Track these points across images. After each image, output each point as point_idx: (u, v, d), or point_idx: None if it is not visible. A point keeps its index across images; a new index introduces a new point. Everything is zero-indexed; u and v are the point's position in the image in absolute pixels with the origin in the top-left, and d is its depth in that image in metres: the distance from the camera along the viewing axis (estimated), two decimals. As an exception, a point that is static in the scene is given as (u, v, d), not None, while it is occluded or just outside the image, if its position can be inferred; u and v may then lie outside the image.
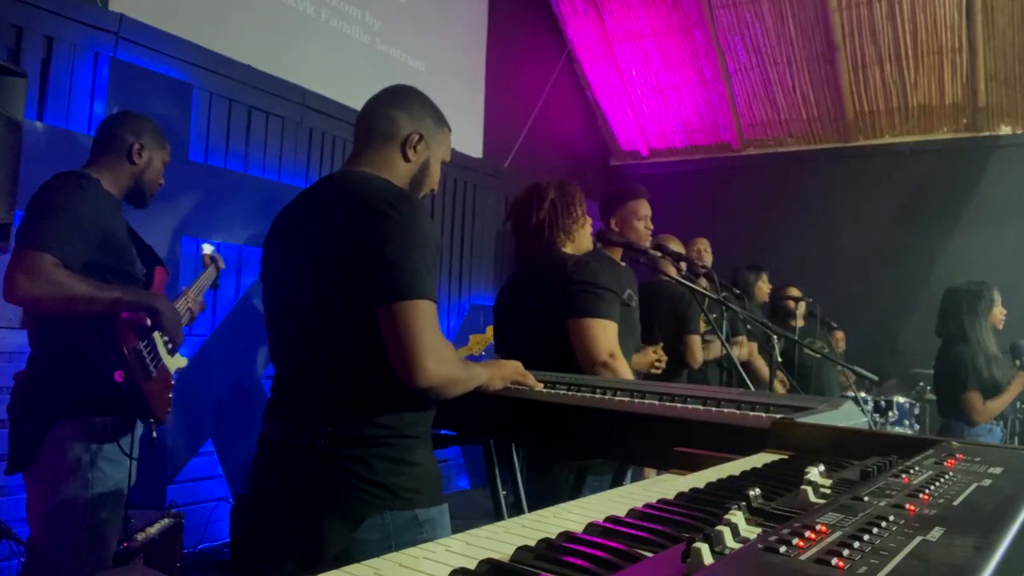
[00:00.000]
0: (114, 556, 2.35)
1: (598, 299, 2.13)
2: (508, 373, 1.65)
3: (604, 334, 2.11)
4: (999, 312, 3.62)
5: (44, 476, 1.88)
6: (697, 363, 3.59)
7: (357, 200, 1.38)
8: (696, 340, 3.57)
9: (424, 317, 1.30)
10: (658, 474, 2.41)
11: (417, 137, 1.55)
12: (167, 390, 2.12)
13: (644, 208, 2.81)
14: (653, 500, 0.72)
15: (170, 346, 2.12)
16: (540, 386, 1.69)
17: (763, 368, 4.22)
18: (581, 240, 2.36)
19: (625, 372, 2.11)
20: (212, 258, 2.51)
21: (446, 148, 1.65)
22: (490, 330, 2.09)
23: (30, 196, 1.96)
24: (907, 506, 0.58)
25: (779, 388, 4.14)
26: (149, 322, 2.02)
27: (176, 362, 2.19)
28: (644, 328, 2.95)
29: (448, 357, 1.35)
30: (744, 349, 4.23)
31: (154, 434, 2.10)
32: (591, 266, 2.21)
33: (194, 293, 2.36)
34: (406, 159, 1.55)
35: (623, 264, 2.78)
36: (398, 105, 1.56)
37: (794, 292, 4.70)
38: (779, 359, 3.47)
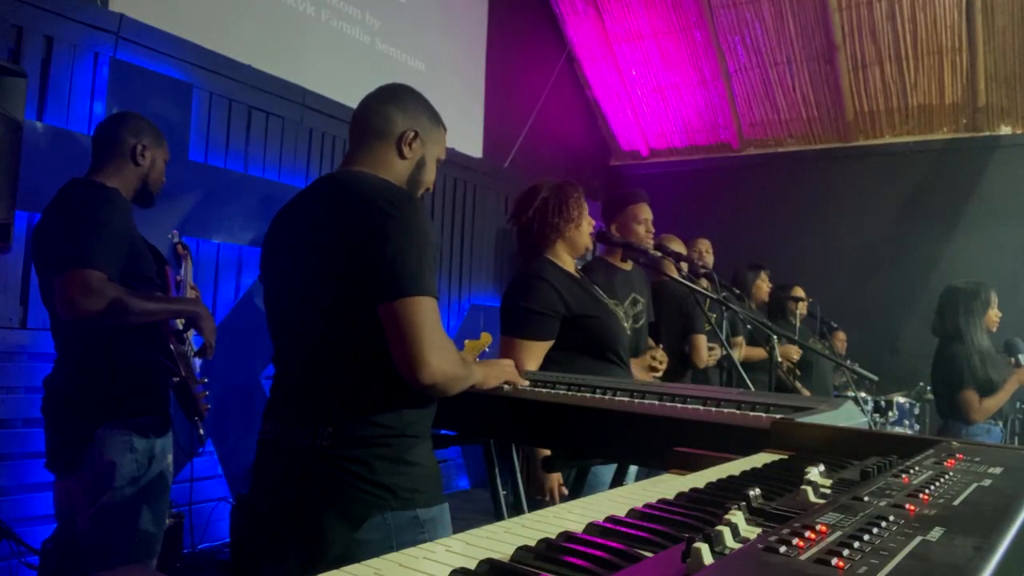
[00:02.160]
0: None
1: (511, 318, 2.23)
2: (501, 372, 1.67)
3: (510, 351, 2.19)
4: (994, 314, 3.62)
5: (89, 479, 1.91)
6: (703, 363, 3.58)
7: (357, 199, 1.38)
8: (702, 340, 3.56)
9: (426, 314, 1.31)
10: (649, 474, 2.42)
11: (412, 135, 1.55)
12: (201, 386, 2.17)
13: (644, 212, 2.81)
14: (653, 500, 0.72)
15: (195, 348, 2.16)
16: (525, 383, 1.71)
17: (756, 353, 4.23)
18: (575, 241, 2.36)
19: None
20: (184, 246, 2.53)
21: (441, 146, 1.65)
22: (484, 336, 2.12)
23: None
24: (907, 506, 0.58)
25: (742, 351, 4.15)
26: (180, 326, 2.10)
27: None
28: (649, 328, 2.95)
29: (451, 354, 1.35)
30: (743, 350, 4.23)
31: (201, 431, 2.15)
32: (523, 283, 2.25)
33: (191, 284, 2.39)
34: (402, 156, 1.55)
35: (627, 266, 2.77)
36: (392, 103, 1.56)
37: (798, 292, 4.70)
38: (779, 359, 3.46)
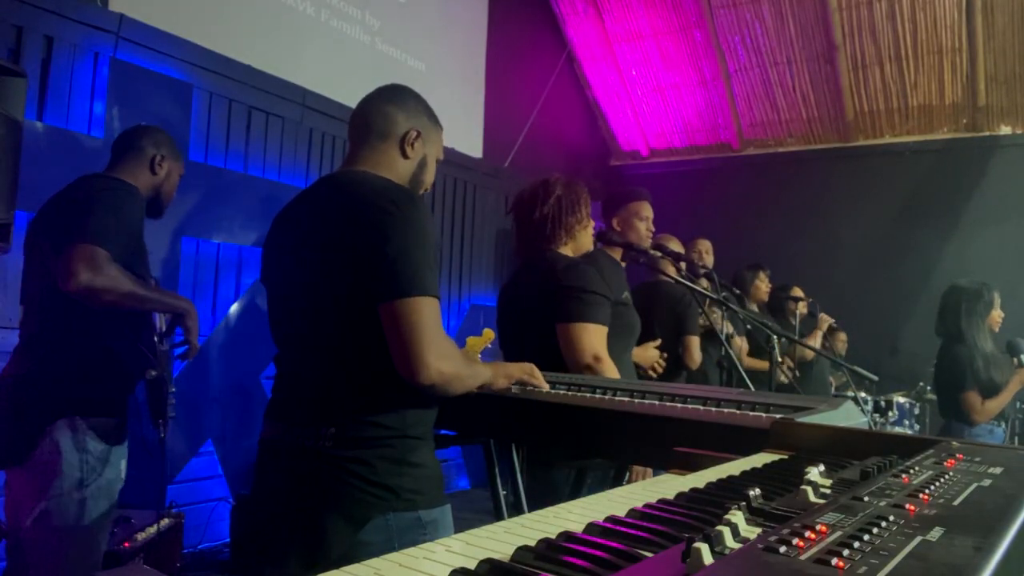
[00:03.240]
0: (114, 556, 2.35)
1: (583, 303, 2.16)
2: (514, 372, 1.66)
3: (588, 337, 2.13)
4: (997, 315, 3.61)
5: (38, 474, 1.87)
6: (695, 364, 3.58)
7: (359, 199, 1.38)
8: (695, 341, 3.56)
9: (426, 314, 1.30)
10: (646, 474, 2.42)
11: (415, 134, 1.55)
12: (172, 393, 2.16)
13: (646, 210, 2.81)
14: (653, 500, 0.72)
15: (177, 352, 2.16)
16: (547, 387, 1.70)
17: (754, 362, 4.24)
18: (582, 240, 2.36)
19: (611, 373, 2.13)
20: (155, 280, 2.53)
21: (440, 146, 1.66)
22: (486, 332, 2.11)
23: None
24: (907, 506, 0.58)
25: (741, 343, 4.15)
26: (164, 327, 2.10)
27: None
28: (643, 329, 2.94)
29: (451, 354, 1.35)
30: (744, 355, 4.23)
31: (163, 435, 2.14)
32: (580, 269, 2.21)
33: None
34: (404, 156, 1.55)
35: (622, 263, 2.78)
36: (393, 103, 1.56)
37: (798, 292, 4.70)
38: (779, 359, 3.46)
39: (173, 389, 2.15)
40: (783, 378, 4.04)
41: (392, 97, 1.58)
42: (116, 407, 2.01)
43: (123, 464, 2.03)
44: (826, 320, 4.72)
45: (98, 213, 1.88)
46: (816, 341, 4.55)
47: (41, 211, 2.02)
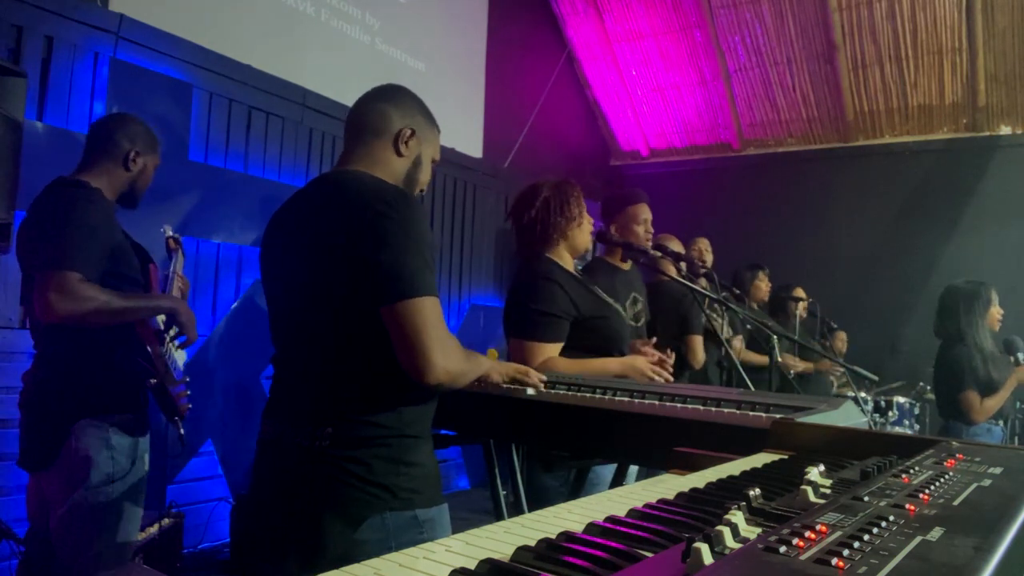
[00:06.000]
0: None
1: (520, 321, 2.20)
2: (508, 369, 1.68)
3: (520, 355, 2.16)
4: (996, 312, 3.62)
5: (64, 474, 1.90)
6: (699, 363, 3.59)
7: (354, 200, 1.38)
8: (698, 340, 3.57)
9: (429, 314, 1.31)
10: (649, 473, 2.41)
11: (409, 132, 1.55)
12: (183, 386, 2.16)
13: (644, 212, 2.80)
14: (653, 500, 0.72)
15: (178, 342, 2.16)
16: (541, 384, 1.70)
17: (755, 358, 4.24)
18: (576, 240, 2.36)
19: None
20: (175, 240, 2.52)
21: (436, 147, 1.66)
22: (491, 352, 2.13)
23: (31, 198, 1.97)
24: (907, 506, 0.58)
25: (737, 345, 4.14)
26: (162, 325, 2.09)
27: (180, 356, 2.23)
28: (646, 329, 2.94)
29: (456, 351, 1.36)
30: (741, 353, 4.23)
31: (181, 431, 2.16)
32: (533, 284, 2.23)
33: (179, 275, 2.38)
34: (399, 154, 1.55)
35: (626, 266, 2.77)
36: (388, 101, 1.56)
37: (799, 293, 4.70)
38: (779, 358, 3.46)
39: (187, 379, 2.16)
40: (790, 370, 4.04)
41: (386, 96, 1.58)
42: (134, 402, 2.04)
43: (147, 457, 2.06)
44: (841, 338, 4.73)
45: (65, 233, 1.85)
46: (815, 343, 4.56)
47: (21, 225, 2.00)
